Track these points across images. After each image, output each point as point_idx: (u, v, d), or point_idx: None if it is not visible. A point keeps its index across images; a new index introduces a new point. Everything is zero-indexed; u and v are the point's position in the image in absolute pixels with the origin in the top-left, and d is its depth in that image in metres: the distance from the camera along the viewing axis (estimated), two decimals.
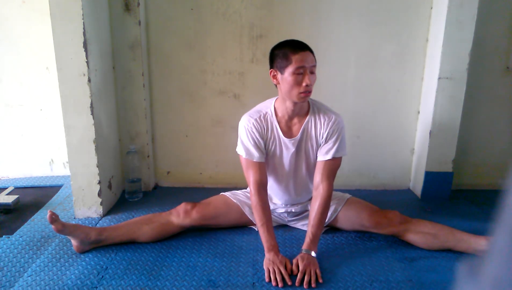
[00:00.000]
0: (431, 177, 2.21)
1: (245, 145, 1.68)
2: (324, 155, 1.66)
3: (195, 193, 2.23)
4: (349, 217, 1.78)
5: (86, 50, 1.82)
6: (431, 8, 2.15)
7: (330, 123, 1.65)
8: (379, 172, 2.40)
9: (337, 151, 1.65)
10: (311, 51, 1.58)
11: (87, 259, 1.64)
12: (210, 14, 2.19)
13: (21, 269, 1.58)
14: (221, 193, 1.90)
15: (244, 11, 2.18)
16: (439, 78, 2.09)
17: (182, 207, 1.77)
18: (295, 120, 1.69)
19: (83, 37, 1.80)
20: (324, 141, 1.67)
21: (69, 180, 2.06)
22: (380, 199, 2.21)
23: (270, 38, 2.20)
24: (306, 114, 1.68)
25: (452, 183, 2.24)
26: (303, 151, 1.71)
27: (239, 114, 2.31)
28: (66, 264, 1.61)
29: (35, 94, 2.41)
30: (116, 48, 2.13)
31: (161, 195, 2.31)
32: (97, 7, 1.93)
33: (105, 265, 1.60)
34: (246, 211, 1.84)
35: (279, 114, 1.68)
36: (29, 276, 1.53)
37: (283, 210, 1.85)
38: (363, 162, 2.38)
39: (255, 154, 1.66)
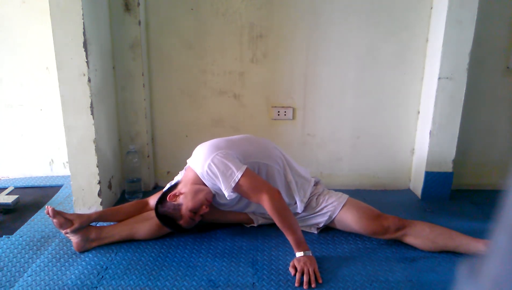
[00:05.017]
0: (431, 177, 2.21)
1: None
2: (226, 193, 1.56)
3: None
4: (346, 225, 1.77)
5: (86, 50, 1.82)
6: (431, 8, 2.15)
7: (206, 175, 1.59)
8: (379, 172, 2.40)
9: (226, 187, 1.55)
10: None
11: (87, 259, 1.64)
12: (210, 14, 2.19)
13: (21, 269, 1.58)
14: None
15: (244, 11, 2.18)
16: (439, 78, 2.08)
17: None
18: None
19: (83, 37, 1.80)
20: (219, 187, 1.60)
21: (69, 180, 2.06)
22: (380, 199, 2.21)
23: (270, 38, 2.20)
24: None
25: (452, 183, 2.24)
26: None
27: (239, 114, 2.33)
28: (66, 264, 1.61)
29: (35, 94, 2.41)
30: (116, 48, 2.13)
31: None
32: (97, 7, 1.94)
33: (105, 265, 1.60)
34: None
35: None
36: (29, 276, 1.53)
37: None
38: (363, 162, 2.38)
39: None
